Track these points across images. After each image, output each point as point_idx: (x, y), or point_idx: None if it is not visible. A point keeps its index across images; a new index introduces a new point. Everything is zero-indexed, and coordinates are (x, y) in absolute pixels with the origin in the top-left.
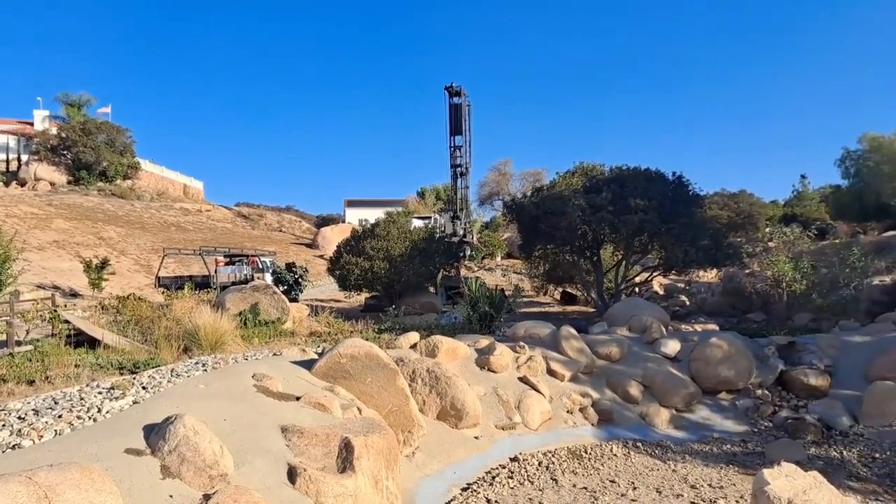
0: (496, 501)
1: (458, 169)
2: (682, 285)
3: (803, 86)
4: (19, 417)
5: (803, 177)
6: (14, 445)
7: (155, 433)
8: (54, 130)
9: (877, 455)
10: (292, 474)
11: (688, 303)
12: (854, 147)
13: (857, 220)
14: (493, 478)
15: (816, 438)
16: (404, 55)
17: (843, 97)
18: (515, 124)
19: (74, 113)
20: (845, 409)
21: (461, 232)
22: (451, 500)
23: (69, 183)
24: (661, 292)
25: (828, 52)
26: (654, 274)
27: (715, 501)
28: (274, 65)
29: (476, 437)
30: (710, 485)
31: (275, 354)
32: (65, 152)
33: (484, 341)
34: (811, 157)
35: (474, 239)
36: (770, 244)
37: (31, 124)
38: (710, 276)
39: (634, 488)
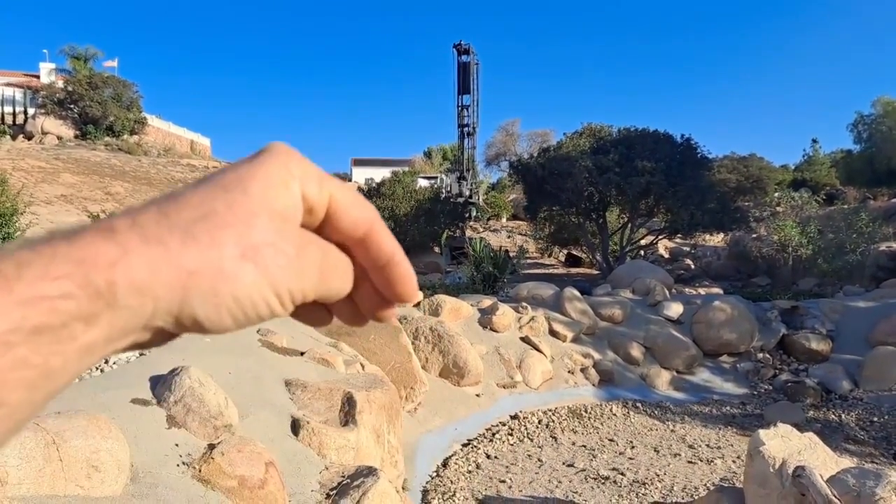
0: (496, 457)
1: (466, 129)
2: (688, 249)
3: (818, 49)
4: None
5: (815, 141)
6: None
7: (161, 384)
8: (60, 84)
9: (875, 419)
10: (296, 427)
11: (693, 266)
12: (867, 111)
13: (867, 185)
14: (494, 434)
15: (815, 402)
16: (413, 12)
17: (858, 61)
18: (524, 84)
19: (81, 66)
20: (846, 373)
21: (467, 192)
22: (452, 455)
23: (76, 137)
24: (667, 255)
25: (843, 14)
26: (660, 237)
27: (712, 461)
28: (282, 21)
29: (477, 395)
30: (707, 445)
31: None
32: (71, 106)
33: (487, 301)
34: (825, 121)
35: (480, 200)
36: (778, 209)
37: (37, 77)
38: (716, 239)
39: (633, 447)
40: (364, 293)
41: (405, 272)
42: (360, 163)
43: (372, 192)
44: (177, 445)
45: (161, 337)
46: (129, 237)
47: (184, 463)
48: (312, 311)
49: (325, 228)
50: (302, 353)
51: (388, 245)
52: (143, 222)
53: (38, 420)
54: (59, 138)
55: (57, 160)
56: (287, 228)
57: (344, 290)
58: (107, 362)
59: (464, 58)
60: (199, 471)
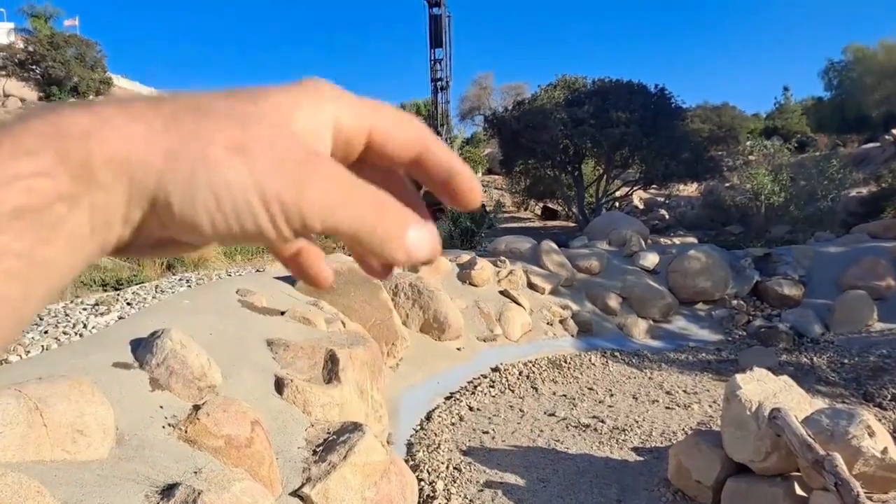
0: (478, 409)
1: (439, 83)
2: (663, 199)
3: None
4: None
5: (786, 89)
6: (1, 361)
7: (142, 347)
8: (21, 44)
9: (845, 360)
10: (280, 385)
11: (667, 216)
12: (838, 58)
13: (837, 132)
14: (476, 387)
15: (788, 346)
16: None
17: (830, 8)
18: (497, 37)
19: (41, 25)
20: (817, 317)
21: None
22: (435, 408)
23: (40, 99)
24: (642, 206)
25: None
26: (635, 188)
27: (689, 406)
28: None
29: (458, 349)
30: (684, 391)
31: (258, 270)
32: (33, 67)
33: (465, 256)
34: (796, 69)
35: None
36: (750, 157)
37: None
38: (690, 190)
39: (611, 395)
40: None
41: (469, 181)
42: None
43: None
44: (161, 407)
45: (143, 237)
46: (110, 112)
47: (169, 424)
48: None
49: (369, 161)
50: (282, 313)
51: (446, 159)
52: (130, 104)
53: (19, 386)
54: (23, 100)
55: None
56: (295, 139)
57: (370, 226)
58: (85, 326)
59: (435, 10)
60: (185, 432)
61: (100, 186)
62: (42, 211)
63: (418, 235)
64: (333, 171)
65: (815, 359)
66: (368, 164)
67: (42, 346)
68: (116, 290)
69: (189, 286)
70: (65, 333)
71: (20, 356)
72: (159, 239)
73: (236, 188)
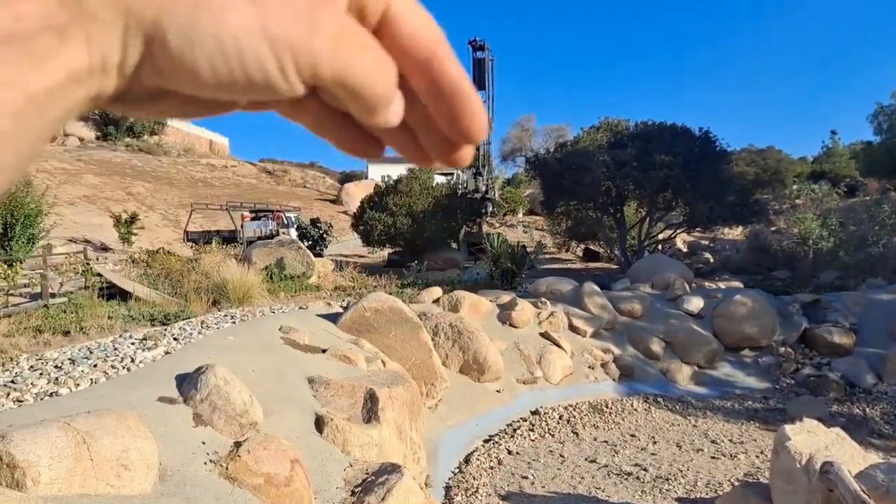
0: (517, 453)
1: None
2: (707, 243)
3: (837, 40)
4: (56, 366)
5: (833, 133)
6: (52, 393)
7: (187, 382)
8: None
9: None
10: (319, 424)
11: (712, 260)
12: (888, 102)
13: (887, 176)
14: (515, 430)
15: (839, 396)
16: (427, 7)
17: (878, 51)
18: (539, 80)
19: None
20: (869, 366)
21: (483, 188)
22: (474, 450)
23: (97, 139)
24: (685, 249)
25: (862, 4)
26: (678, 231)
27: (735, 456)
28: None
29: (498, 391)
30: (730, 440)
31: (301, 308)
32: None
33: (506, 297)
34: (844, 113)
35: (496, 195)
36: (797, 201)
37: None
38: (734, 233)
39: (654, 442)
40: (425, 127)
41: (474, 105)
42: (376, 160)
43: (389, 189)
44: (203, 443)
45: (138, 85)
46: None
47: (211, 461)
48: (356, 137)
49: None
50: (324, 351)
51: (455, 71)
52: None
53: (68, 419)
54: (81, 140)
55: (79, 161)
56: None
57: (373, 82)
58: (133, 361)
59: (479, 54)
60: (226, 469)
61: (92, 17)
62: (31, 39)
63: (398, 104)
64: (347, 19)
65: (867, 410)
66: None
67: (91, 379)
68: (164, 325)
69: (233, 322)
70: (113, 367)
71: (70, 389)
72: (158, 89)
73: (242, 33)
